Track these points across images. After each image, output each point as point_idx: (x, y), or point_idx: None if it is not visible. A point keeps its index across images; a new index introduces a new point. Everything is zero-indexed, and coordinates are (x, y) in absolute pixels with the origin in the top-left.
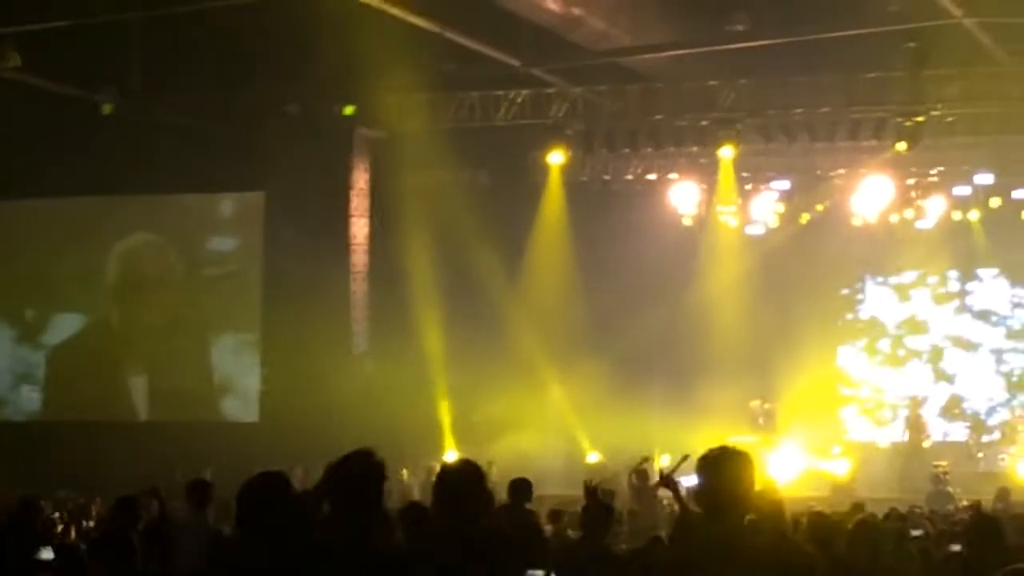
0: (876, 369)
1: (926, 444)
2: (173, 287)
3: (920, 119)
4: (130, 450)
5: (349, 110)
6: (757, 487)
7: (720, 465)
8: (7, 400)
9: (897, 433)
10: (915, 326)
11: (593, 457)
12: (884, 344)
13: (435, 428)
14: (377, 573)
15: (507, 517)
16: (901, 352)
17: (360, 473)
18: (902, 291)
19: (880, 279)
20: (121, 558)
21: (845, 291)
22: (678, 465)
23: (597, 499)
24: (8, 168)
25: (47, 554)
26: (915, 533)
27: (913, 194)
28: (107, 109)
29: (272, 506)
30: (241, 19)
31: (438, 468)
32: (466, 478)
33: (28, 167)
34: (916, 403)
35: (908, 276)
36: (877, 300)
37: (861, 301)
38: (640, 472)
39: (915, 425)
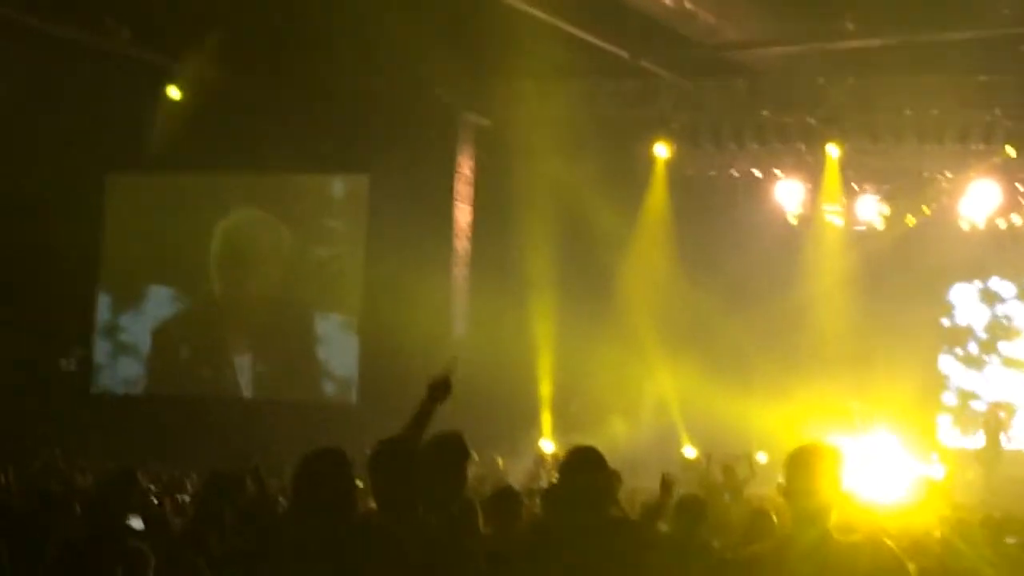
0: (974, 375)
1: (1009, 450)
2: (278, 264)
3: None
4: (229, 427)
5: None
6: (848, 487)
7: (809, 461)
8: (105, 368)
9: (979, 440)
10: (1015, 333)
11: (689, 451)
12: (983, 349)
13: (532, 415)
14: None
15: None
16: (998, 359)
17: (444, 454)
18: (1006, 297)
19: (983, 284)
20: (215, 536)
21: (948, 294)
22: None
23: (671, 493)
24: (119, 141)
25: (137, 523)
26: (1010, 540)
27: (1022, 200)
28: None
29: (328, 483)
30: (347, 3)
31: (547, 455)
32: (590, 463)
33: (139, 141)
34: (996, 409)
35: (1014, 282)
36: (980, 305)
37: (963, 305)
38: (727, 467)
39: (994, 431)
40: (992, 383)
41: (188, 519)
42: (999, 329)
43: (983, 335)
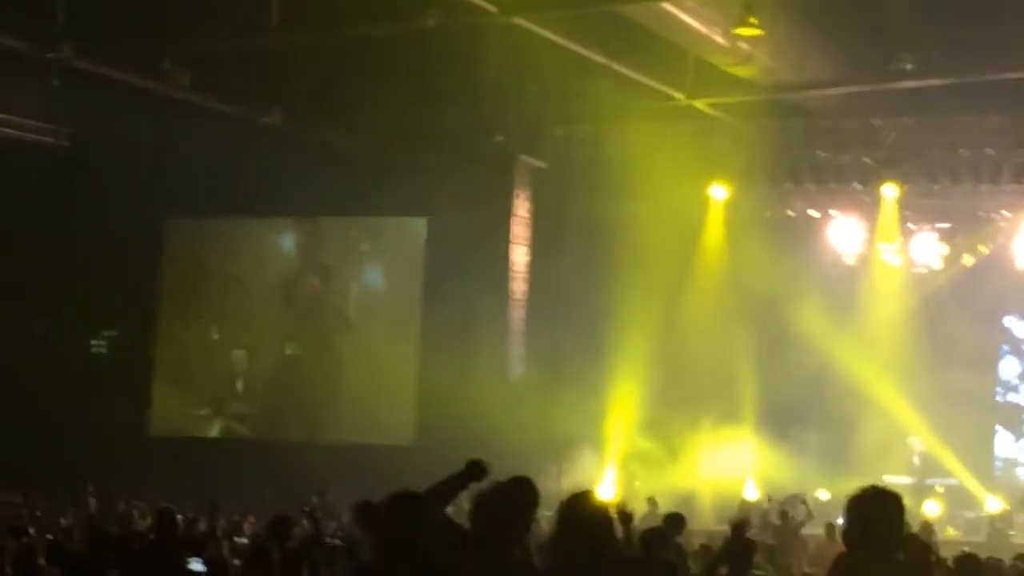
0: None
1: None
2: (334, 310)
3: None
4: (287, 470)
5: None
6: (908, 529)
7: (870, 504)
8: (161, 410)
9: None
10: None
11: (750, 492)
12: None
13: (590, 457)
14: None
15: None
16: None
17: (511, 500)
18: None
19: None
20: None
21: (1005, 333)
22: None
23: (742, 537)
24: (176, 187)
25: (198, 566)
26: None
27: None
28: None
29: (408, 527)
30: (407, 45)
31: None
32: (587, 511)
33: (195, 186)
34: None
35: None
36: None
37: (1019, 346)
38: (782, 511)
39: None
40: None
41: (244, 560)
42: None
43: None
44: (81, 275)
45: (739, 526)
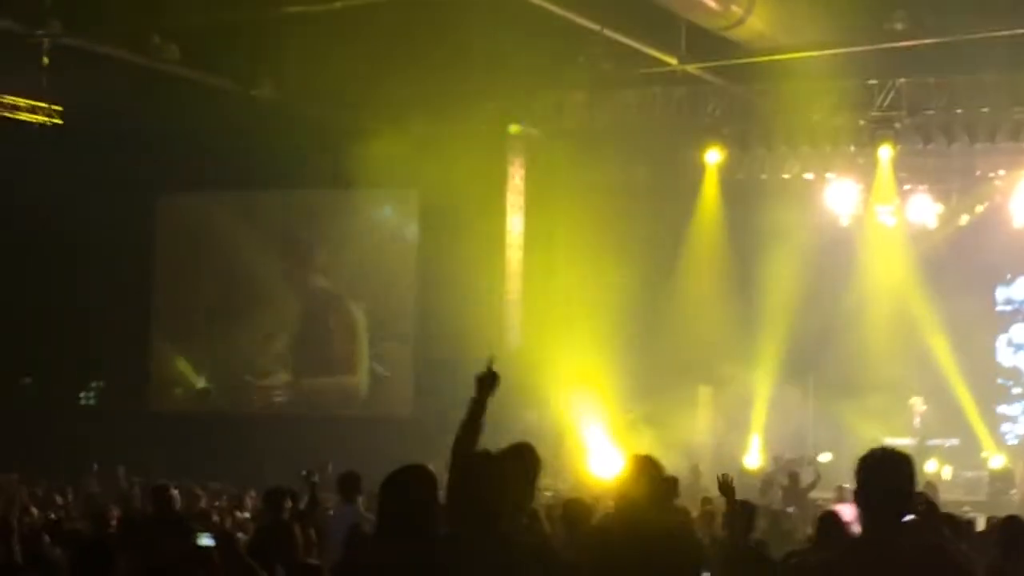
0: None
1: None
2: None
3: None
4: (287, 443)
5: (515, 129)
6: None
7: (880, 467)
8: (162, 386)
9: None
10: None
11: (751, 459)
12: None
13: (588, 425)
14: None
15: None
16: None
17: (518, 463)
18: None
19: None
20: (282, 546)
21: (1004, 293)
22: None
23: (734, 498)
24: (167, 162)
25: (207, 540)
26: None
27: None
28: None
29: (412, 499)
30: (398, 14)
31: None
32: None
33: (186, 161)
34: None
35: None
36: None
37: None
38: (792, 474)
39: None
40: None
41: (251, 534)
42: None
43: None
44: (77, 252)
45: (726, 486)
